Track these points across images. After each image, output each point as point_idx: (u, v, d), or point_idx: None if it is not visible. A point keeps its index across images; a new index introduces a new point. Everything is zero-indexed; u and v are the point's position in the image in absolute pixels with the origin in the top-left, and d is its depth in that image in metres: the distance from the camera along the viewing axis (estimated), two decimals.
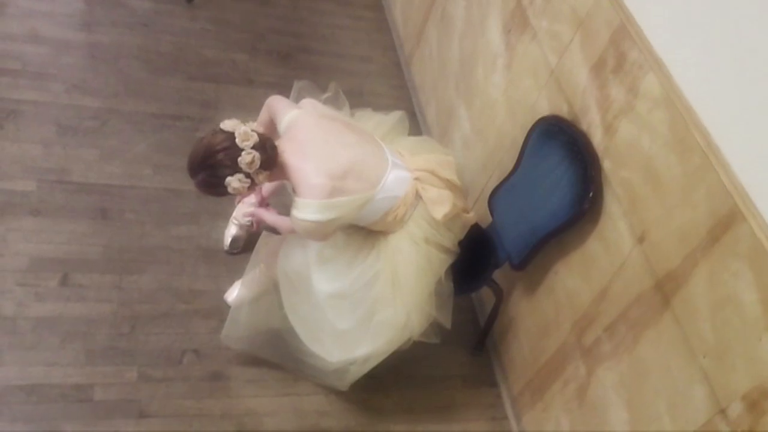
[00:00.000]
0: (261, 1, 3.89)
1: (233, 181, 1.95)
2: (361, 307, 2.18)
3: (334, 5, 4.05)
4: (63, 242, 2.52)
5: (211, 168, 1.96)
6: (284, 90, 3.36)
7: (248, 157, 1.94)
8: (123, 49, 3.29)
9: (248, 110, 3.21)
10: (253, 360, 2.41)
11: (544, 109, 2.35)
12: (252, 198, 2.48)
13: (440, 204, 2.17)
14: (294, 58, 3.61)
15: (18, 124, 2.82)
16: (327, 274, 2.19)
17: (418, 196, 2.17)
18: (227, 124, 2.00)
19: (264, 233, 2.35)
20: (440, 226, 2.19)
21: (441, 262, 2.21)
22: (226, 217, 2.73)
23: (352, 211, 2.06)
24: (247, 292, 2.40)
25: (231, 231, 2.67)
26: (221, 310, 2.45)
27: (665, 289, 1.81)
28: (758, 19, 1.57)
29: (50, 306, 2.36)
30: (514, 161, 2.39)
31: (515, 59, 2.56)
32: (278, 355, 2.36)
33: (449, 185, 2.24)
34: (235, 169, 1.95)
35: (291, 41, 3.71)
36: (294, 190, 2.07)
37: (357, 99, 3.44)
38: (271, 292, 2.30)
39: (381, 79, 3.73)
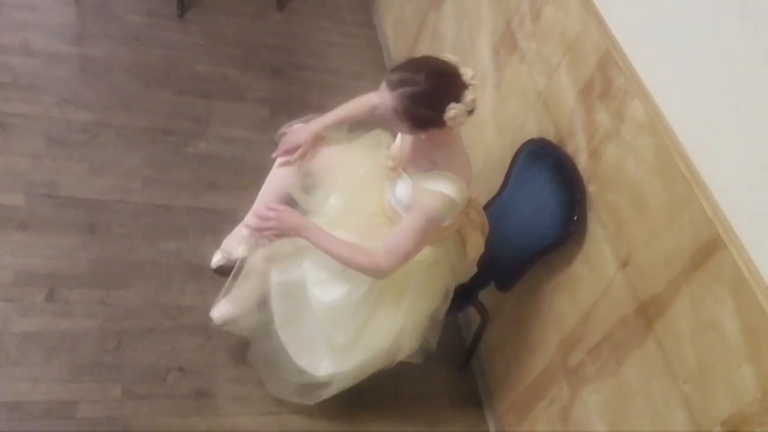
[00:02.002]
0: (253, 16, 3.91)
1: (456, 109, 1.79)
2: (358, 320, 2.14)
3: (327, 21, 4.07)
4: (50, 256, 2.52)
5: (441, 86, 1.81)
6: (275, 105, 3.40)
7: (472, 95, 1.83)
8: (114, 63, 3.29)
9: (240, 125, 3.24)
10: (238, 377, 2.41)
11: (532, 131, 2.37)
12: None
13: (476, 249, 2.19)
14: (286, 74, 3.63)
15: (7, 137, 2.81)
16: (326, 286, 2.13)
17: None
18: (450, 57, 1.89)
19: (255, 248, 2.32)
20: (463, 258, 2.19)
21: (447, 289, 2.20)
22: (214, 232, 2.70)
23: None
24: (233, 309, 2.39)
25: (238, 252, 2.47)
26: (207, 326, 2.43)
27: (648, 313, 1.83)
28: (742, 50, 1.60)
29: (36, 321, 2.35)
30: (502, 181, 2.41)
31: (504, 80, 2.58)
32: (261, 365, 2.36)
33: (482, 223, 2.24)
34: (459, 99, 1.81)
35: (283, 57, 3.72)
36: (435, 163, 1.95)
37: None
38: (254, 311, 2.26)
39: None
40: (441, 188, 1.89)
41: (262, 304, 2.23)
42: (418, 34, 3.49)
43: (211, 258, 2.62)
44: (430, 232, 1.96)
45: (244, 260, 2.20)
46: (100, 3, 3.57)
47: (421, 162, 1.99)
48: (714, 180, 1.65)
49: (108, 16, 3.52)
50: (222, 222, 2.74)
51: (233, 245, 2.47)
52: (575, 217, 2.06)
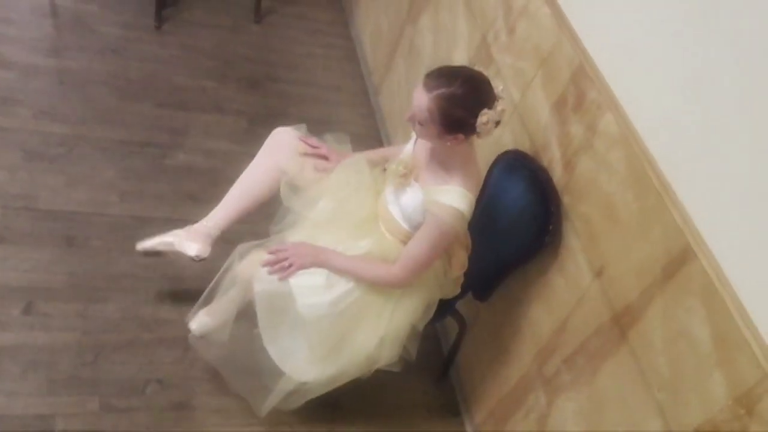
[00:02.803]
0: (231, 28, 3.92)
1: (488, 115, 1.83)
2: (341, 328, 2.14)
3: (305, 34, 4.09)
4: (27, 270, 2.51)
5: (477, 91, 1.86)
6: (253, 117, 3.41)
7: (502, 106, 1.87)
8: (91, 75, 3.29)
9: (218, 137, 3.25)
10: (217, 390, 2.41)
11: (507, 143, 2.40)
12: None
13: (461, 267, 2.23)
14: (264, 86, 3.64)
15: None
16: (311, 294, 2.11)
17: None
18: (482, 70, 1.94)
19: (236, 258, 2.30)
20: (448, 274, 2.22)
21: (429, 302, 2.23)
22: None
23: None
24: (212, 320, 2.40)
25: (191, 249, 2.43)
26: (186, 339, 2.44)
27: (622, 323, 1.86)
28: (713, 65, 1.64)
29: (13, 335, 2.34)
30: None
31: None
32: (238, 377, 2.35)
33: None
34: (491, 107, 1.85)
35: (261, 69, 3.74)
36: (451, 176, 1.98)
37: (325, 127, 3.44)
38: (230, 324, 2.26)
39: (349, 108, 3.77)
40: (453, 202, 1.94)
41: (240, 315, 2.24)
42: (395, 47, 3.53)
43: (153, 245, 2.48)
44: (443, 243, 2.04)
45: (225, 271, 2.21)
46: (76, 15, 3.56)
47: (438, 173, 2.02)
48: (684, 191, 1.69)
49: (85, 28, 3.51)
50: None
51: (184, 241, 2.41)
52: (550, 228, 2.10)
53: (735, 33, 1.59)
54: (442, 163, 2.02)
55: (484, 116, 1.84)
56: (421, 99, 1.86)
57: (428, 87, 1.85)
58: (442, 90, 1.83)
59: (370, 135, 3.61)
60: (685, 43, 1.72)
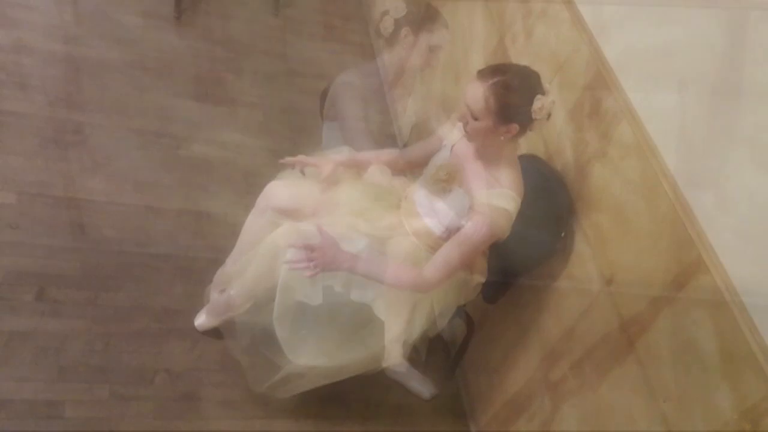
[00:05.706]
0: (249, 20, 3.93)
1: (542, 101, 1.90)
2: (355, 320, 2.14)
3: (321, 29, 4.10)
4: (40, 256, 2.53)
5: (530, 79, 1.93)
6: (268, 110, 3.42)
7: (552, 98, 1.92)
8: (109, 63, 3.30)
9: (232, 129, 3.26)
10: (224, 381, 2.43)
11: (521, 147, 2.39)
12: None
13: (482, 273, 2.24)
14: (279, 79, 3.65)
15: (0, 135, 2.82)
16: (337, 277, 2.09)
17: None
18: None
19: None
20: (468, 281, 2.23)
21: (446, 309, 2.24)
22: (204, 236, 2.74)
23: None
24: (213, 320, 2.43)
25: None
26: (195, 330, 2.47)
27: (630, 332, 1.86)
28: (730, 77, 1.64)
29: (24, 320, 2.36)
30: None
31: None
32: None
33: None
34: (544, 94, 1.92)
35: (277, 63, 3.75)
36: (498, 181, 2.00)
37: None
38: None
39: None
40: (505, 205, 1.96)
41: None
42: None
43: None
44: (484, 245, 2.03)
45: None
46: (96, 3, 3.58)
47: (485, 177, 2.02)
48: (697, 203, 1.69)
49: (104, 16, 3.53)
50: (212, 225, 2.77)
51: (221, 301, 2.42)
52: (562, 234, 2.10)
53: (755, 48, 1.58)
54: (488, 167, 2.02)
55: (539, 102, 1.89)
56: (477, 90, 1.90)
57: (483, 78, 1.90)
58: (498, 78, 1.88)
59: (383, 131, 3.61)
60: (703, 55, 1.71)
